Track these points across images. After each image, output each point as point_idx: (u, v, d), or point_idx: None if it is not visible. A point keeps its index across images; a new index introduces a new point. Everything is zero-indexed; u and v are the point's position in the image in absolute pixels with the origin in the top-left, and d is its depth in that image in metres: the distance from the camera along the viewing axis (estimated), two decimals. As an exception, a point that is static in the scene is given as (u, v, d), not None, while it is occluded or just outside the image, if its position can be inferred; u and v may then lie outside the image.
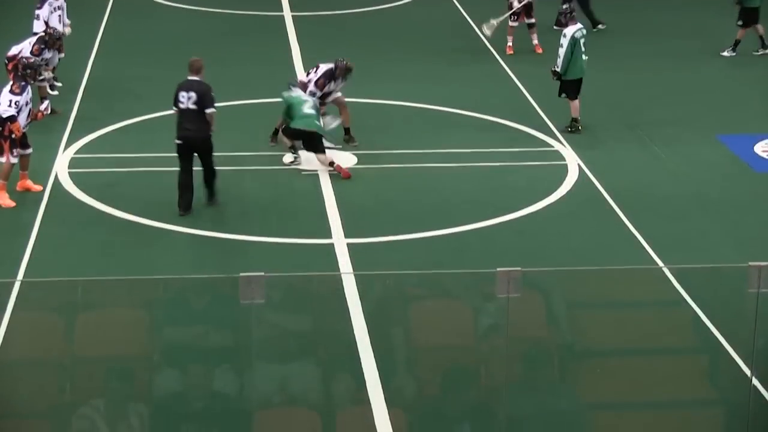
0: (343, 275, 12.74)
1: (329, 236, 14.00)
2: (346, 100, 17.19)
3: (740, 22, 21.50)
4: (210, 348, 10.87)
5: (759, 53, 21.74)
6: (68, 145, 16.64)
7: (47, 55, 17.48)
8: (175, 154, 14.59)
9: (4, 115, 14.30)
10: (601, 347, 11.05)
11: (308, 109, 16.27)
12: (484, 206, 14.81)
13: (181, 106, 14.37)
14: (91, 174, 15.61)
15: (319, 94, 16.70)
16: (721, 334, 11.39)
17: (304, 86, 16.75)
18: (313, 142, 16.02)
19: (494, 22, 21.45)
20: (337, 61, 16.87)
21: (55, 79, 18.48)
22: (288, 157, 16.31)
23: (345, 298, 11.97)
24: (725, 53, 21.71)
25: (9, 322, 10.84)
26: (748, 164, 16.57)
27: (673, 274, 12.42)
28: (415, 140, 17.27)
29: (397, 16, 25.01)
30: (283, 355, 10.84)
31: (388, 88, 19.37)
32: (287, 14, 24.71)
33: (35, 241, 13.70)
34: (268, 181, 15.76)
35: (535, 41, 21.94)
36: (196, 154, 14.58)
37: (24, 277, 12.67)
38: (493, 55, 21.68)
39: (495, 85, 20.03)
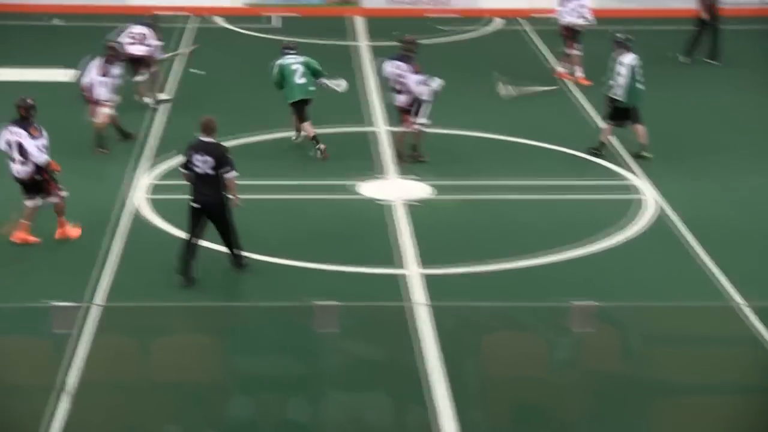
0: (416, 306, 12.73)
1: (402, 266, 14.00)
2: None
3: None
4: (283, 376, 10.93)
5: None
6: (147, 170, 16.90)
7: (116, 71, 17.83)
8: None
9: (41, 162, 14.15)
10: (674, 383, 10.96)
11: (300, 78, 17.49)
12: (558, 239, 14.72)
13: (198, 170, 13.26)
14: (170, 201, 15.77)
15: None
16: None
17: (401, 83, 17.26)
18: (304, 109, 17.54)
19: (514, 88, 21.29)
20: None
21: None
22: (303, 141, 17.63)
23: (418, 329, 11.99)
24: None
25: (91, 345, 10.96)
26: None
27: (753, 312, 12.29)
28: (490, 171, 17.29)
29: (472, 48, 25.15)
30: (356, 385, 10.87)
31: (464, 119, 19.43)
32: (363, 44, 24.95)
33: (117, 266, 13.78)
34: (341, 210, 15.83)
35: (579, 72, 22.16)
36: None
37: (106, 301, 12.72)
38: (567, 86, 21.68)
39: (568, 117, 20.00)
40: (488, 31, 26.62)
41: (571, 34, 22.31)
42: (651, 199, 16.18)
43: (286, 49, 18.37)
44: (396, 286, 13.45)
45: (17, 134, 14.08)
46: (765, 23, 27.58)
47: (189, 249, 13.25)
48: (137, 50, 20.31)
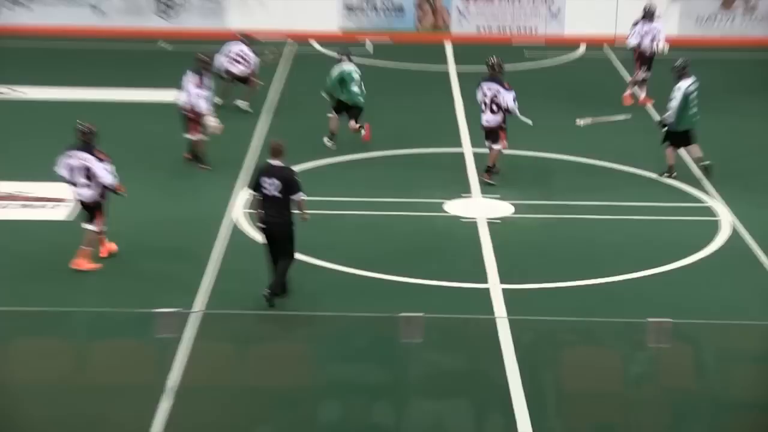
0: (497, 319, 12.82)
1: (485, 281, 14.07)
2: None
3: None
4: (370, 383, 11.03)
5: None
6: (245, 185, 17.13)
7: (207, 81, 18.04)
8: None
9: (110, 183, 14.11)
10: (748, 400, 10.92)
11: (355, 87, 18.88)
12: (634, 258, 14.74)
13: (266, 192, 13.02)
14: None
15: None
16: None
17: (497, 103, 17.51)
18: (355, 112, 18.83)
19: (591, 119, 21.22)
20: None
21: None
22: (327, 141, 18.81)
23: (499, 342, 12.06)
24: None
25: (191, 349, 11.19)
26: None
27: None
28: (569, 192, 17.32)
29: (557, 74, 25.13)
30: (438, 393, 10.95)
31: (546, 142, 19.49)
32: (452, 70, 25.04)
33: (217, 274, 14.03)
34: (428, 227, 15.92)
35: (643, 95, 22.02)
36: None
37: (206, 308, 12.95)
38: (647, 111, 21.61)
39: (646, 140, 19.92)
40: (573, 57, 26.59)
41: (640, 56, 22.13)
42: (725, 220, 16.13)
43: (345, 56, 19.41)
44: (480, 301, 13.52)
45: (83, 158, 14.01)
46: None
47: (273, 267, 13.20)
48: (238, 70, 20.86)
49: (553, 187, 17.60)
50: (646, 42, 22.02)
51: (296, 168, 17.48)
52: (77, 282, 13.88)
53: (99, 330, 12.12)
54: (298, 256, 13.44)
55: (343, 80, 19.03)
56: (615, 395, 10.99)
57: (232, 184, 17.08)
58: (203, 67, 18.16)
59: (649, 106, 21.71)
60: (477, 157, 18.66)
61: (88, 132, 14.20)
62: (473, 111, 19.16)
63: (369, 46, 27.04)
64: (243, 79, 21.15)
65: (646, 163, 18.48)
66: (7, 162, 18.09)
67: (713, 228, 15.88)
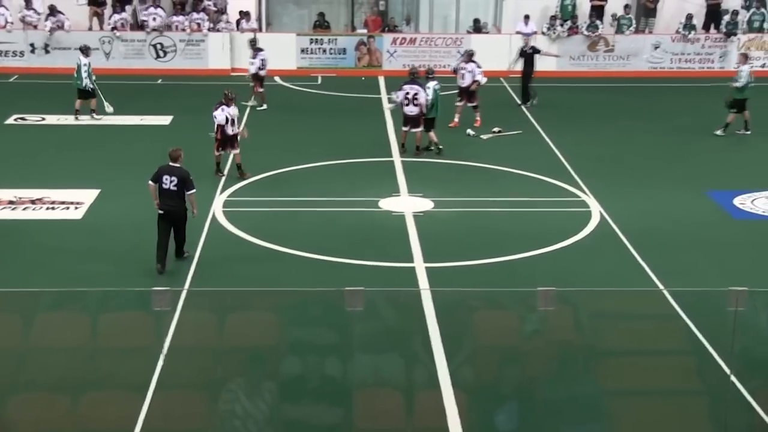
0: (422, 291, 12.73)
1: (412, 261, 13.97)
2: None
3: (734, 110, 21.07)
4: (322, 343, 10.89)
5: (740, 133, 21.29)
6: (222, 190, 16.92)
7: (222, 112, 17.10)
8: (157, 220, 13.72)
9: None
10: (615, 348, 10.90)
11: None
12: (528, 241, 14.69)
13: (164, 186, 13.38)
14: (240, 213, 15.84)
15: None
16: (706, 340, 11.17)
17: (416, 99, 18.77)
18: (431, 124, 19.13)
19: (496, 129, 21.12)
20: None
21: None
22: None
23: (423, 309, 11.95)
24: (718, 132, 21.26)
25: (178, 320, 10.99)
26: (729, 213, 16.25)
27: (670, 295, 12.24)
28: (477, 190, 17.22)
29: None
30: (376, 350, 10.82)
31: (459, 152, 19.33)
32: (384, 96, 24.84)
33: (197, 260, 13.85)
34: (366, 220, 15.75)
35: (477, 117, 21.51)
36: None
37: (189, 287, 12.83)
38: (537, 127, 21.64)
39: (539, 151, 19.99)
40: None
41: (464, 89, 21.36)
42: (595, 210, 16.11)
43: (432, 73, 19.70)
44: (406, 277, 13.44)
45: None
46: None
47: (161, 245, 13.42)
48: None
49: (464, 187, 17.50)
50: (468, 78, 21.30)
51: (267, 174, 17.52)
52: (92, 266, 13.61)
53: (110, 305, 11.85)
54: (266, 244, 13.27)
55: (438, 96, 19.24)
56: (514, 348, 10.92)
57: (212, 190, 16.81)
58: (227, 99, 17.20)
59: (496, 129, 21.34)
60: (404, 164, 18.55)
61: None
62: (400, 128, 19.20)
63: (319, 80, 26.97)
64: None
65: (535, 167, 18.45)
66: (34, 173, 17.67)
67: (587, 217, 15.88)
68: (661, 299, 12.30)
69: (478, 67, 21.32)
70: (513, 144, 20.42)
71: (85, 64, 21.56)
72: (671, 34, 28.14)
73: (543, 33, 27.71)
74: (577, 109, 24.01)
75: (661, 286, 13.13)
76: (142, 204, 15.79)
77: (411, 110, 18.84)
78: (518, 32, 27.49)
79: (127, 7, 27.71)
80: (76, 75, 21.62)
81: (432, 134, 19.22)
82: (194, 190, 13.52)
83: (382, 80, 26.79)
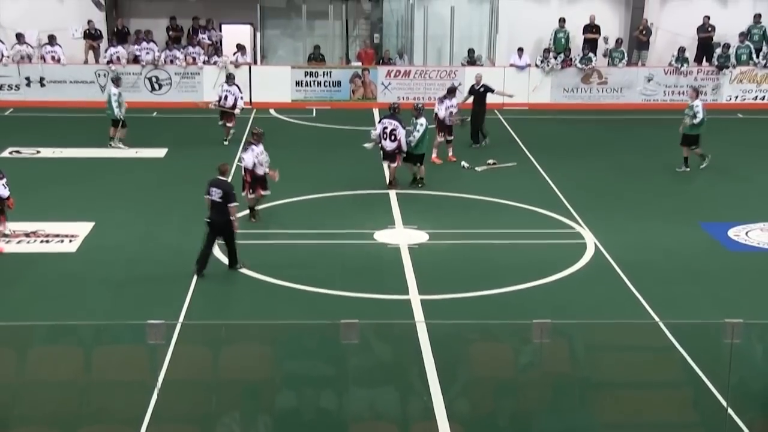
0: (417, 323, 12.69)
1: (407, 293, 13.96)
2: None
3: (693, 147, 20.72)
4: (317, 376, 10.87)
5: (680, 170, 20.71)
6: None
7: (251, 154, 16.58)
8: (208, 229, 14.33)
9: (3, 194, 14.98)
10: (610, 380, 10.90)
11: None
12: (522, 273, 14.70)
13: (212, 198, 14.20)
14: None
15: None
16: (702, 372, 11.19)
17: (394, 134, 18.89)
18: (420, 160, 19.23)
19: (490, 162, 21.18)
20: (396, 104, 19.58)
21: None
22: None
23: (419, 341, 11.93)
24: (680, 169, 20.82)
25: (172, 353, 10.97)
26: (724, 245, 16.31)
27: (666, 327, 12.26)
28: (472, 222, 17.24)
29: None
30: (371, 383, 10.80)
31: (453, 184, 19.41)
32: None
33: (191, 293, 13.79)
34: (361, 252, 15.74)
35: (450, 152, 21.41)
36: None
37: (184, 320, 12.79)
38: (531, 159, 21.73)
39: (533, 182, 20.04)
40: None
41: (441, 123, 21.15)
42: (590, 242, 16.16)
43: (420, 109, 19.52)
44: (401, 309, 13.42)
45: None
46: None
47: (204, 254, 14.28)
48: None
49: (459, 219, 17.51)
50: (445, 113, 21.18)
51: (262, 207, 17.52)
52: (86, 299, 13.58)
53: (104, 338, 11.83)
54: (262, 276, 13.32)
55: (426, 135, 19.25)
56: (509, 380, 10.91)
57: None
58: (255, 137, 16.84)
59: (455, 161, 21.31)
60: (399, 196, 18.60)
61: None
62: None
63: (314, 112, 27.05)
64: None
65: (530, 199, 18.50)
66: (29, 206, 17.64)
67: (582, 249, 15.91)
68: (657, 331, 12.30)
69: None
70: (507, 176, 20.49)
71: (114, 94, 21.72)
72: (664, 66, 28.37)
73: (537, 65, 27.92)
74: (571, 141, 24.13)
75: (656, 318, 13.14)
76: (137, 237, 15.93)
77: (388, 145, 18.87)
78: (512, 65, 27.71)
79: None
80: (107, 105, 21.80)
81: (422, 168, 19.25)
82: (236, 204, 14.33)
83: (376, 112, 26.93)
